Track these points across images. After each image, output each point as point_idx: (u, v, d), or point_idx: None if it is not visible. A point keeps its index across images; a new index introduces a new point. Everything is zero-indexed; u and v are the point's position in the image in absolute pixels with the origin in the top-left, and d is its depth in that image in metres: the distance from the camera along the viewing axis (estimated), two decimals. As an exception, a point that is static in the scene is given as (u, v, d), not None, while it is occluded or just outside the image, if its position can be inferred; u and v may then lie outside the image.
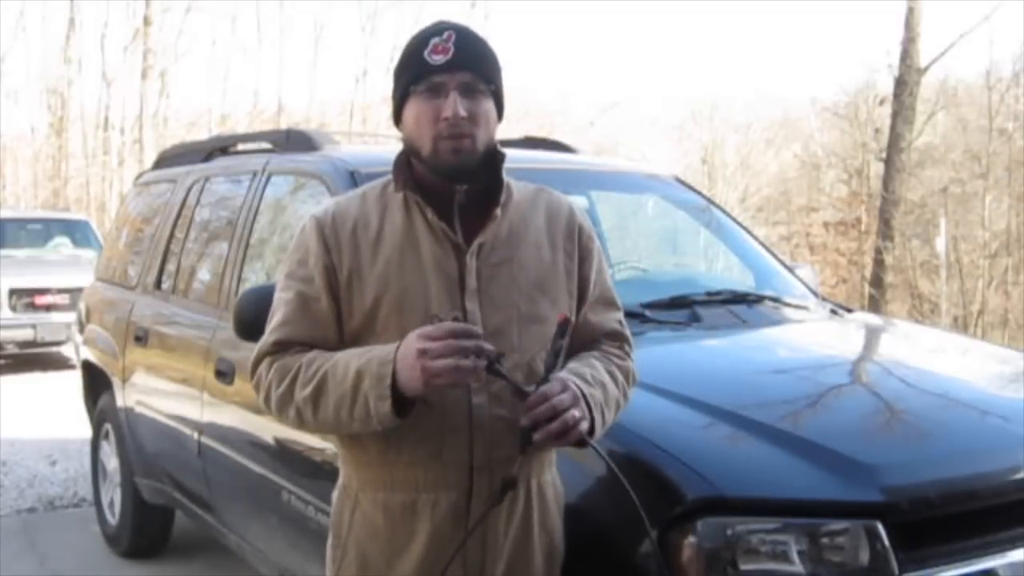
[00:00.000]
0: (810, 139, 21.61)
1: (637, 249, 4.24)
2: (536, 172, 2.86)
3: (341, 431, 1.84)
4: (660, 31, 49.13)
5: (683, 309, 3.08)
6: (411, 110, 1.84)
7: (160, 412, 4.12)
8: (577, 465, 2.05)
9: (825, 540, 2.06)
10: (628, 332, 2.02)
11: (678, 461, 2.12)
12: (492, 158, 1.88)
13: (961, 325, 12.44)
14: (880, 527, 2.05)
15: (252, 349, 1.92)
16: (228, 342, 3.36)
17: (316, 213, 1.92)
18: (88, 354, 5.04)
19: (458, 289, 1.83)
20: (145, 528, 4.57)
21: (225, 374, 3.41)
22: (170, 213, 4.47)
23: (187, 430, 3.79)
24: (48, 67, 22.70)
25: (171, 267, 4.32)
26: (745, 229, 4.05)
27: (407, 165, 1.88)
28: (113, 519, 4.72)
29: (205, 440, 3.65)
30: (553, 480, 1.95)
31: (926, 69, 13.23)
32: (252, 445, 3.31)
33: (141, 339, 4.31)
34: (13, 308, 10.05)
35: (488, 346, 1.68)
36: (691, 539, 2.01)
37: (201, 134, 18.13)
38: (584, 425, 1.75)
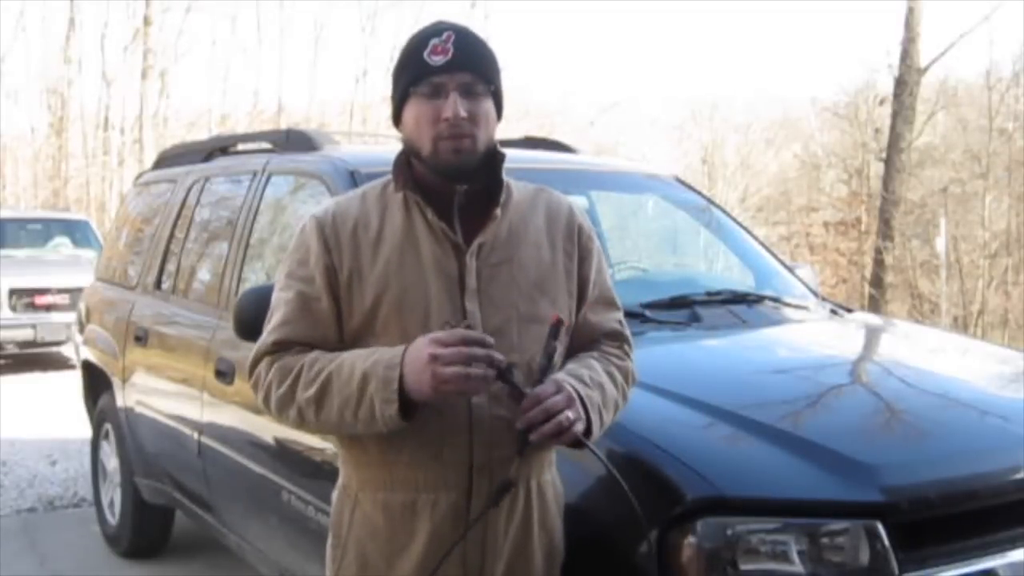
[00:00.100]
0: (810, 139, 21.62)
1: (637, 249, 4.24)
2: (536, 172, 2.86)
3: (343, 432, 1.84)
4: (660, 31, 49.21)
5: (683, 309, 3.08)
6: (411, 111, 1.84)
7: (160, 412, 4.12)
8: (577, 465, 2.05)
9: (825, 540, 2.06)
10: (628, 332, 2.02)
11: (678, 461, 2.12)
12: (492, 158, 1.88)
13: (961, 325, 12.44)
14: (880, 527, 2.05)
15: (252, 349, 1.92)
16: (228, 342, 3.36)
17: (316, 213, 1.92)
18: (88, 354, 5.04)
19: (458, 289, 1.83)
20: (145, 528, 4.57)
21: (225, 374, 3.41)
22: (170, 213, 4.47)
23: (187, 430, 3.79)
24: (48, 67, 22.71)
25: (171, 267, 4.32)
26: (745, 229, 4.05)
27: (407, 165, 1.88)
28: (113, 519, 4.72)
29: (205, 440, 3.65)
30: (553, 480, 1.95)
31: (926, 69, 13.24)
32: (252, 445, 3.31)
33: (141, 339, 4.31)
34: (13, 308, 10.05)
35: (499, 356, 1.68)
36: (691, 539, 2.01)
37: (201, 134, 18.13)
38: (579, 427, 1.75)
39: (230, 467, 3.47)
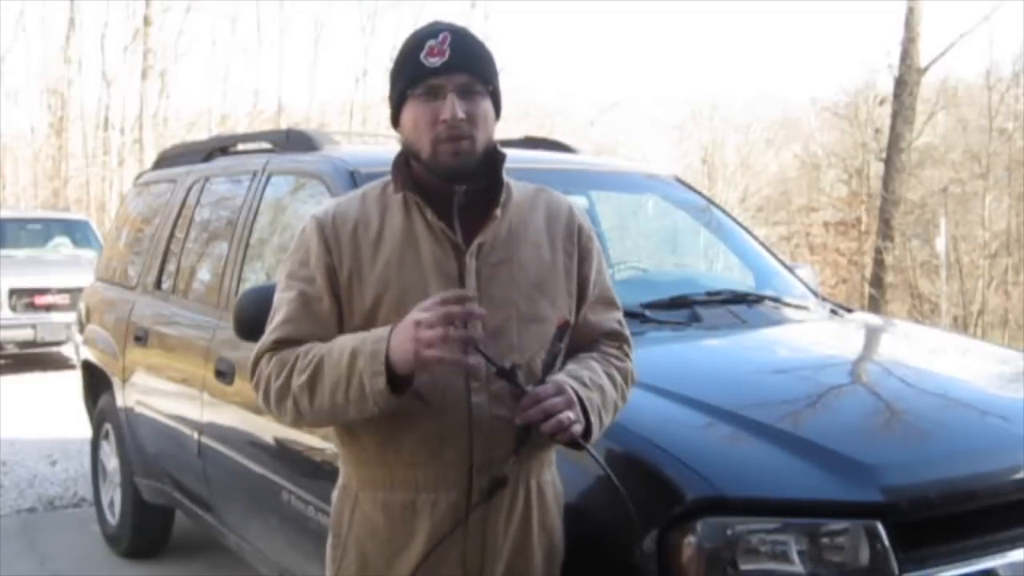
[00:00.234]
0: (810, 139, 21.61)
1: (637, 249, 4.24)
2: (536, 172, 2.86)
3: (338, 418, 1.82)
4: (660, 31, 49.21)
5: (683, 309, 3.08)
6: (409, 113, 1.83)
7: (160, 412, 4.12)
8: (577, 465, 2.05)
9: (825, 540, 2.06)
10: (627, 332, 2.02)
11: (678, 461, 2.12)
12: (491, 158, 1.88)
13: (961, 325, 12.44)
14: (880, 527, 2.05)
15: (252, 349, 1.92)
16: (228, 342, 3.36)
17: (316, 213, 1.92)
18: (88, 354, 5.04)
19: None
20: (145, 528, 4.57)
21: (225, 374, 3.41)
22: (170, 213, 4.47)
23: (187, 430, 3.79)
24: (48, 67, 22.69)
25: (171, 267, 4.32)
26: (745, 229, 4.05)
27: (406, 166, 1.88)
28: (113, 519, 4.72)
29: (205, 440, 3.65)
30: (553, 480, 1.95)
31: (926, 69, 13.24)
32: (252, 445, 3.31)
33: (141, 339, 4.31)
34: (13, 308, 10.05)
35: (480, 310, 1.68)
36: (691, 539, 2.01)
37: (201, 134, 18.13)
38: (577, 428, 1.75)
39: (230, 467, 3.47)
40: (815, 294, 3.69)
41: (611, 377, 1.90)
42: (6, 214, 12.65)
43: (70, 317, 6.68)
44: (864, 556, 2.05)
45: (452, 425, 1.80)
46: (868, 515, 2.07)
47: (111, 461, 4.73)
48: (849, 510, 2.08)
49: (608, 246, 3.45)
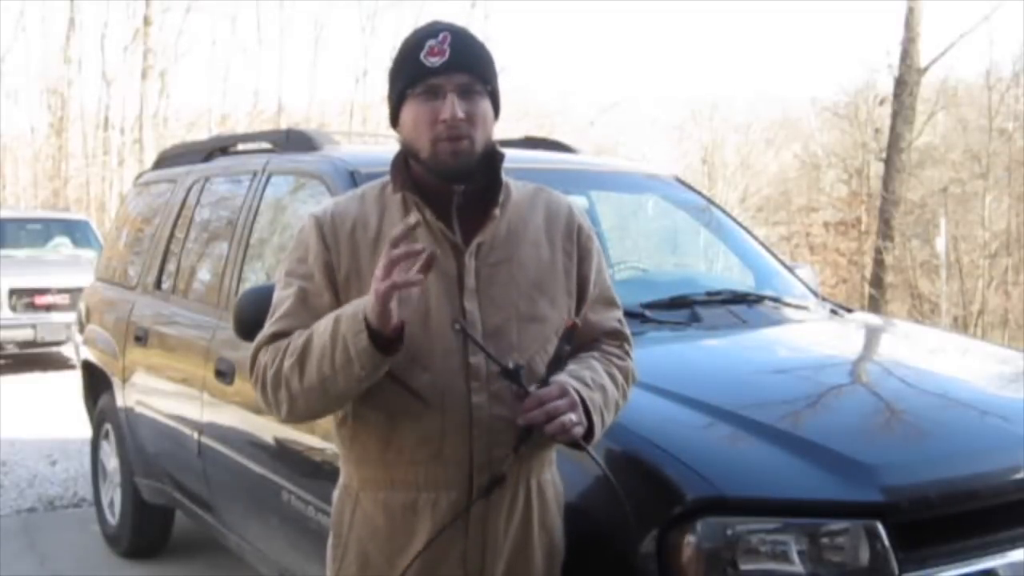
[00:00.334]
0: (810, 139, 21.60)
1: (637, 249, 4.24)
2: (536, 172, 2.86)
3: (329, 398, 1.78)
4: (660, 31, 49.21)
5: (683, 309, 3.08)
6: (408, 113, 1.83)
7: (160, 412, 4.12)
8: (577, 464, 2.05)
9: (825, 540, 2.06)
10: (628, 331, 2.02)
11: (678, 461, 2.12)
12: (491, 158, 1.88)
13: (961, 325, 12.43)
14: (880, 527, 2.05)
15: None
16: (228, 342, 3.36)
17: (315, 212, 1.92)
18: (88, 354, 5.04)
19: (457, 289, 1.83)
20: (145, 528, 4.57)
21: (225, 374, 3.41)
22: (170, 213, 4.47)
23: (187, 430, 3.79)
24: (48, 67, 22.70)
25: (171, 267, 4.32)
26: (745, 229, 4.05)
27: (405, 165, 1.88)
28: (113, 519, 4.72)
29: (205, 440, 3.65)
30: (553, 479, 1.95)
31: (926, 69, 13.23)
32: (252, 445, 3.31)
33: (141, 339, 4.31)
34: (13, 308, 10.05)
35: (418, 245, 1.63)
36: (691, 539, 2.01)
37: (201, 134, 18.13)
38: (579, 430, 1.75)
39: (230, 467, 3.47)
40: (815, 294, 3.69)
41: (612, 376, 1.90)
42: (6, 214, 12.66)
43: (70, 317, 6.68)
44: (864, 556, 2.05)
45: (452, 425, 1.80)
46: (868, 515, 2.07)
47: (111, 461, 4.73)
48: (849, 510, 2.08)
49: (608, 246, 3.46)
